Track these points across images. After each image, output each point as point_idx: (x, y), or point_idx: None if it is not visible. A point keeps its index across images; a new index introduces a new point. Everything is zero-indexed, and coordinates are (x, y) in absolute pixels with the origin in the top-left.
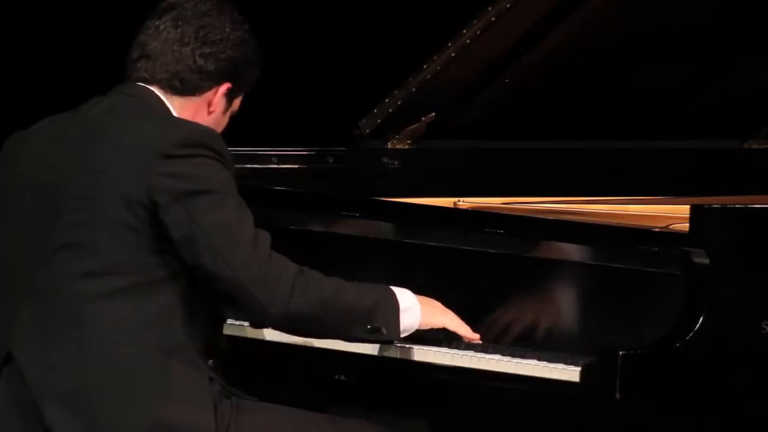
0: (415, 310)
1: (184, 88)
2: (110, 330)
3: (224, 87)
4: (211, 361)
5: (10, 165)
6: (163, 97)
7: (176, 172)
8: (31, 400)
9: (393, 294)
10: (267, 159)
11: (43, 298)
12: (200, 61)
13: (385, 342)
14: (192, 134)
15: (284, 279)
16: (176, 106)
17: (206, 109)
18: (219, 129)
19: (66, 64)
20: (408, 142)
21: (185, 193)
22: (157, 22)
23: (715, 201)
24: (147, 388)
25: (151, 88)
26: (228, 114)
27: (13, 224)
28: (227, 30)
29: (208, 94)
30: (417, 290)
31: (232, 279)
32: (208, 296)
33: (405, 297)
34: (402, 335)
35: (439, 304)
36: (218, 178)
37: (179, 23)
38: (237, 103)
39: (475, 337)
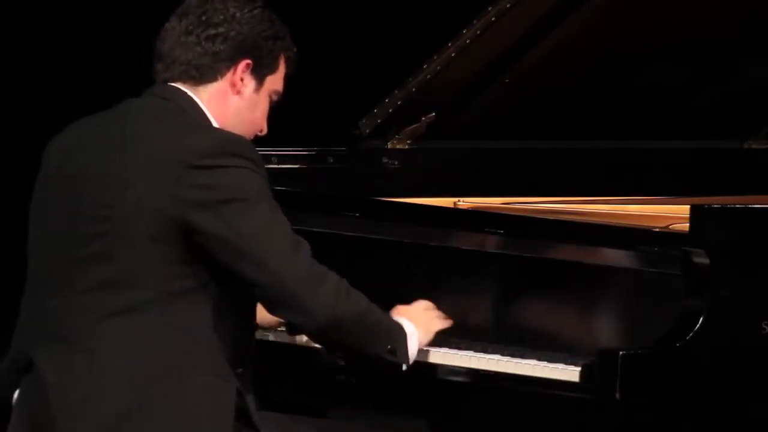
0: (415, 335)
1: (202, 75)
2: (127, 343)
3: (242, 64)
4: (240, 369)
5: (45, 169)
6: (190, 93)
7: (206, 184)
8: (48, 409)
9: (397, 321)
10: (267, 159)
11: (64, 307)
12: (207, 45)
13: (395, 366)
14: (220, 143)
15: (329, 284)
16: (204, 98)
17: (232, 91)
18: (257, 110)
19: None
20: (408, 142)
21: (218, 202)
22: (167, 25)
23: (715, 201)
24: (161, 403)
25: (177, 85)
26: (264, 94)
27: (43, 231)
28: (231, 10)
29: (228, 75)
30: (417, 290)
31: (276, 286)
32: (238, 304)
33: (406, 323)
34: (410, 361)
35: (424, 316)
36: (250, 184)
37: (183, 17)
38: (273, 81)
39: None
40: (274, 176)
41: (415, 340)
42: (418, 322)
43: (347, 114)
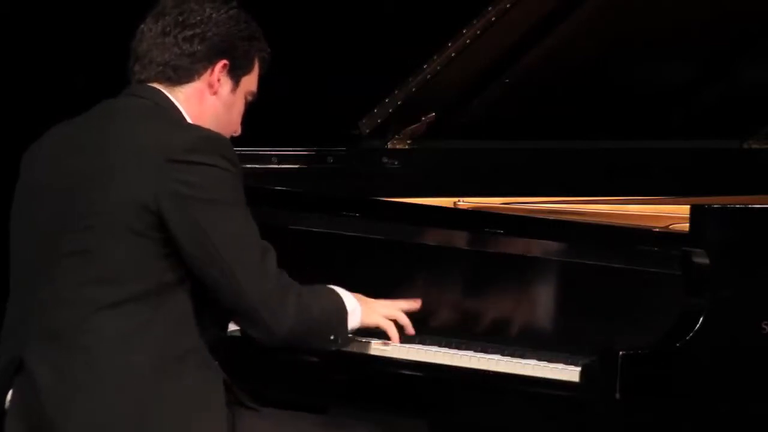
0: (357, 312)
1: (179, 76)
2: (119, 338)
3: (220, 64)
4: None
5: (27, 172)
6: (167, 93)
7: (183, 179)
8: (43, 408)
9: (341, 298)
10: (267, 159)
11: (54, 305)
12: (185, 46)
13: (334, 349)
14: (200, 140)
15: (289, 301)
16: (181, 98)
17: (209, 91)
18: (234, 111)
19: (68, 67)
20: (408, 142)
21: (192, 200)
22: (143, 26)
23: (715, 201)
24: (158, 396)
25: (153, 85)
26: (240, 94)
27: (28, 231)
28: (207, 11)
29: (205, 76)
30: (417, 290)
31: (239, 296)
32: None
33: (348, 299)
34: (348, 338)
35: (374, 301)
36: (226, 187)
37: (159, 18)
38: (248, 82)
39: (396, 336)
40: (274, 176)
41: (356, 317)
42: (364, 302)
43: (347, 114)
